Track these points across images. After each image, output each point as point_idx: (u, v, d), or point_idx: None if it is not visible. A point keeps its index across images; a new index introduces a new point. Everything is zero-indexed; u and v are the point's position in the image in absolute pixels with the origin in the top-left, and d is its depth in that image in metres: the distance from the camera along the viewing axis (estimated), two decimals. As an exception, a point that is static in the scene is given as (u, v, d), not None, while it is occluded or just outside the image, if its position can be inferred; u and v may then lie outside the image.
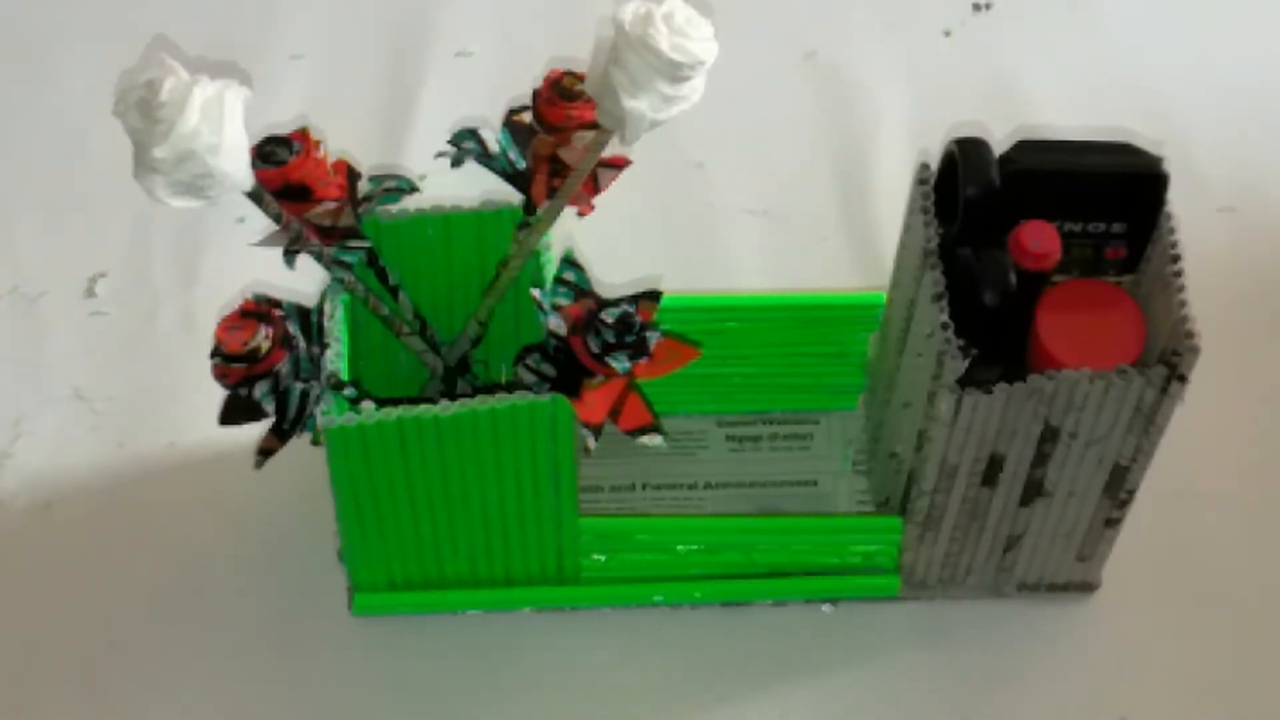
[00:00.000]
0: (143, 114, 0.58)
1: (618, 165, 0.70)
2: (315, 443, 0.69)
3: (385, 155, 0.97)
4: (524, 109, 0.70)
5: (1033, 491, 0.75)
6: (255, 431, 0.69)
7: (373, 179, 0.72)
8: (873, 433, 0.85)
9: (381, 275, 0.73)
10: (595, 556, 0.79)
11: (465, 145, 0.71)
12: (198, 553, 0.82)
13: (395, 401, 0.70)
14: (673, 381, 0.71)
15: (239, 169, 0.60)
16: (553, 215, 0.70)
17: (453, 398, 0.69)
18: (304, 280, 0.72)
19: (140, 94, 0.58)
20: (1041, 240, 0.70)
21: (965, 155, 0.72)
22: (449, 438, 0.70)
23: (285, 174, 0.67)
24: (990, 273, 0.71)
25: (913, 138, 0.99)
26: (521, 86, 0.71)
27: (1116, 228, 0.74)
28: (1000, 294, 0.70)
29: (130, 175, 0.60)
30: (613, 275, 0.82)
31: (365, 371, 0.77)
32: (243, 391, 0.66)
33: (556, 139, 0.69)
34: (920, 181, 0.74)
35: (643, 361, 0.67)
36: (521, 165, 0.70)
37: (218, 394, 0.68)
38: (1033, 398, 0.70)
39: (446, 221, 0.76)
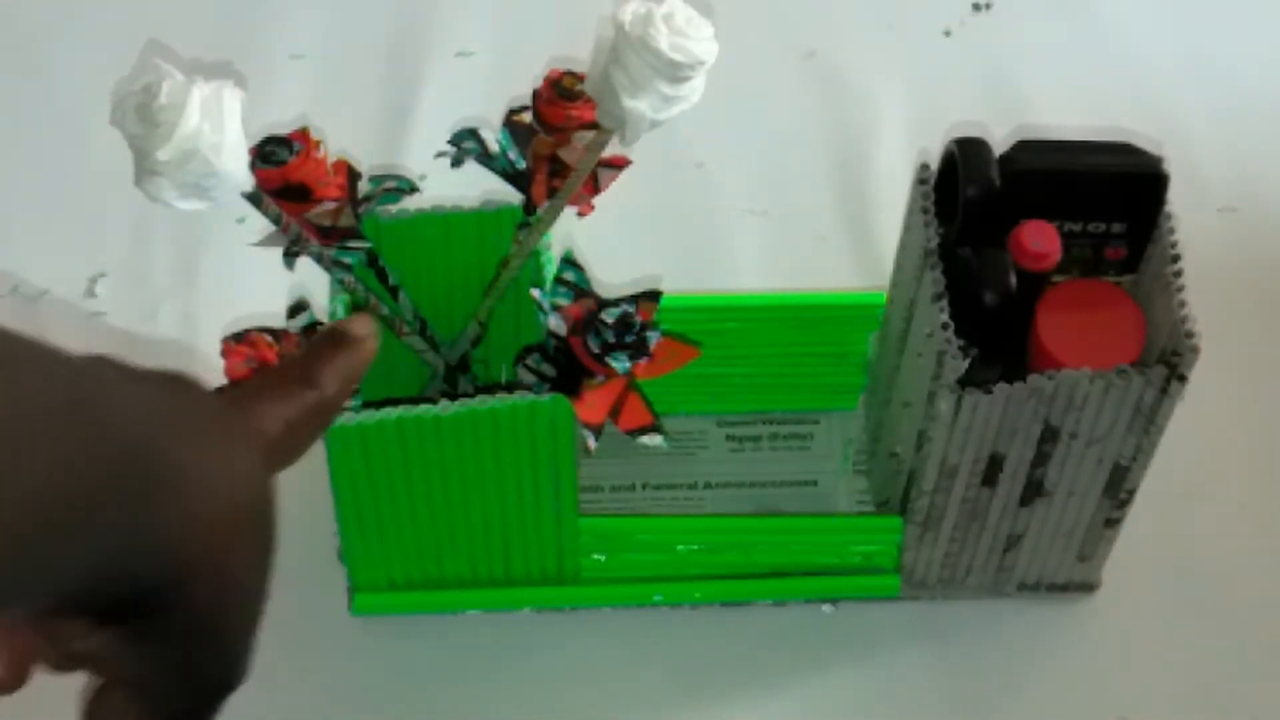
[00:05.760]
0: (142, 118, 0.58)
1: (618, 165, 0.70)
2: None
3: (385, 155, 0.96)
4: (524, 109, 0.70)
5: (1033, 491, 0.75)
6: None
7: (373, 179, 0.71)
8: (873, 433, 0.85)
9: (381, 275, 0.73)
10: (595, 556, 0.79)
11: (465, 145, 0.71)
12: (198, 553, 0.82)
13: (395, 401, 0.70)
14: (673, 381, 0.71)
15: (240, 169, 0.60)
16: (553, 215, 0.70)
17: (454, 397, 0.69)
18: (293, 281, 0.72)
19: (138, 99, 0.58)
20: (1041, 240, 0.70)
21: (965, 155, 0.72)
22: (449, 438, 0.70)
23: (285, 174, 0.67)
24: (990, 273, 0.71)
25: (913, 138, 0.99)
26: (521, 86, 0.71)
27: (1116, 228, 0.74)
28: (1000, 294, 0.70)
29: (130, 175, 0.60)
30: (613, 275, 0.82)
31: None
32: None
33: (556, 139, 0.69)
34: (920, 181, 0.74)
35: (643, 361, 0.67)
36: (521, 165, 0.70)
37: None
38: (1033, 398, 0.70)
39: (446, 221, 0.76)
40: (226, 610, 0.45)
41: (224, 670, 0.46)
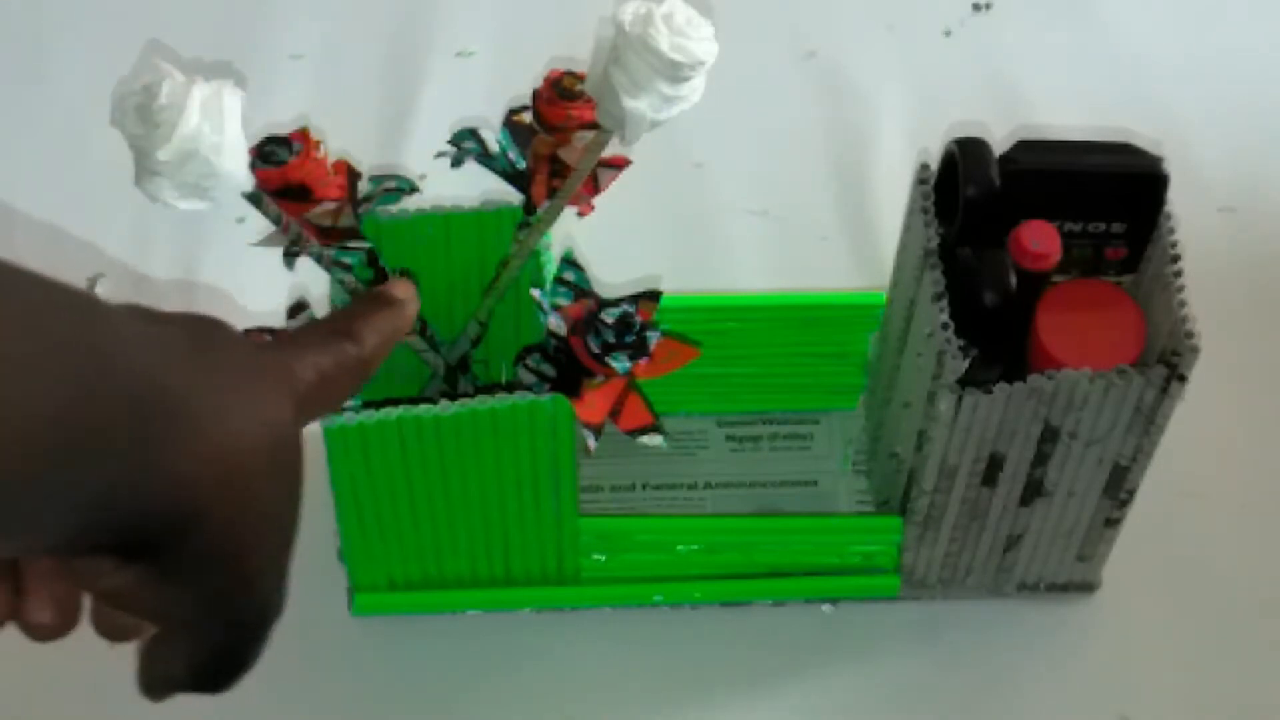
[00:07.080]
0: (142, 118, 0.58)
1: (618, 165, 0.70)
2: None
3: (385, 155, 0.97)
4: (524, 109, 0.70)
5: (1033, 491, 0.75)
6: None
7: (373, 179, 0.71)
8: (873, 433, 0.85)
9: (381, 275, 0.73)
10: (595, 556, 0.79)
11: (465, 145, 0.71)
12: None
13: (395, 401, 0.70)
14: (673, 381, 0.71)
15: (240, 169, 0.60)
16: (553, 215, 0.70)
17: (454, 397, 0.69)
18: (293, 281, 0.72)
19: (138, 99, 0.58)
20: (1041, 240, 0.70)
21: (965, 155, 0.72)
22: (449, 438, 0.70)
23: (285, 174, 0.67)
24: (990, 273, 0.71)
25: (913, 138, 0.99)
26: (521, 86, 0.71)
27: (1116, 228, 0.74)
28: (1000, 294, 0.70)
29: (130, 175, 0.60)
30: (613, 275, 0.82)
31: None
32: None
33: (556, 139, 0.69)
34: (920, 181, 0.74)
35: (643, 361, 0.67)
36: (521, 165, 0.70)
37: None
38: (1033, 398, 0.70)
39: (446, 221, 0.76)
40: (247, 545, 0.45)
41: (255, 603, 0.46)
